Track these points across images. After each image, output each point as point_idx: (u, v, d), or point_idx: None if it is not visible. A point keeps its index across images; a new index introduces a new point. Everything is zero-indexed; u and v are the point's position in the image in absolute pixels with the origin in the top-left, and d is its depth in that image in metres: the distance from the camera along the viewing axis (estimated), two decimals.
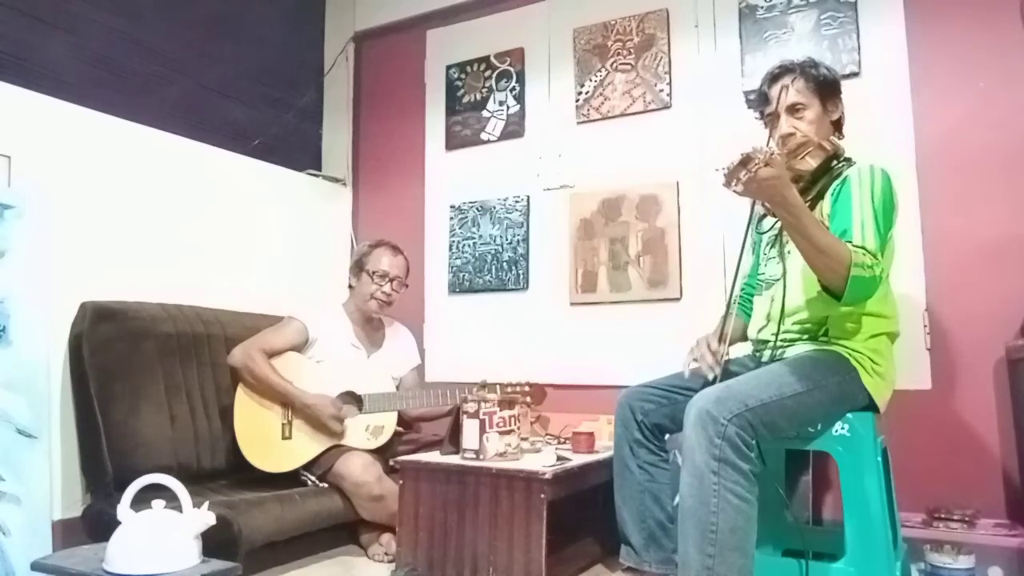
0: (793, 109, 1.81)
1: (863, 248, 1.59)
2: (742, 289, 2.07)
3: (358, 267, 2.73)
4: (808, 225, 1.53)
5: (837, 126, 1.89)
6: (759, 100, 1.90)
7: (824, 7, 2.54)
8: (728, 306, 1.82)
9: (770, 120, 1.87)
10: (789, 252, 1.79)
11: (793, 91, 1.81)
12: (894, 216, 1.72)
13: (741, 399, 1.53)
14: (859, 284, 1.54)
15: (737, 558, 1.46)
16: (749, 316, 2.02)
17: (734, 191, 1.46)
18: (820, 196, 1.78)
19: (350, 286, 2.75)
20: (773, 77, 1.86)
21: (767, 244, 1.94)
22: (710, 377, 1.73)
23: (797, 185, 1.74)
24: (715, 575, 1.44)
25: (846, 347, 1.71)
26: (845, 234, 1.63)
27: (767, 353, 1.83)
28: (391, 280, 2.69)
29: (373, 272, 2.68)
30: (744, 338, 2.01)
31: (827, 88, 1.84)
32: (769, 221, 1.91)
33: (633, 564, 1.88)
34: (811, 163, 1.77)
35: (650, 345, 2.72)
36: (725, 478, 1.47)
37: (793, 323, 1.79)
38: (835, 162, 1.80)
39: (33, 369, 2.10)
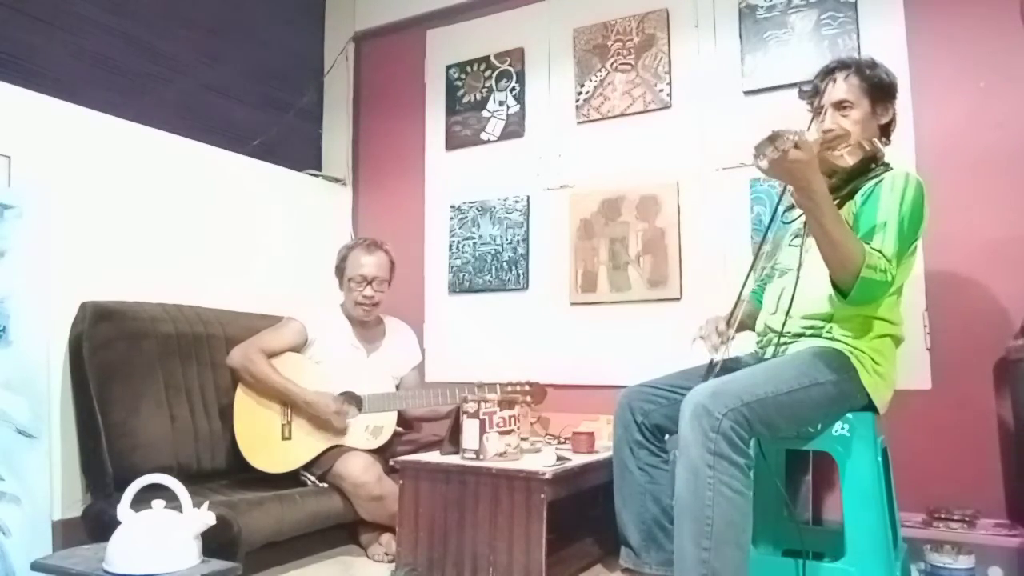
0: (840, 105, 1.80)
1: (880, 252, 1.59)
2: (759, 280, 2.06)
3: (339, 272, 2.71)
4: (828, 217, 1.53)
5: (885, 131, 1.87)
6: (811, 92, 1.89)
7: (824, 7, 2.54)
8: (740, 292, 1.80)
9: (815, 114, 1.86)
10: (808, 249, 1.77)
11: (844, 87, 1.80)
12: (920, 228, 1.71)
13: (737, 394, 1.54)
14: (868, 285, 1.55)
15: (733, 551, 1.46)
16: (761, 304, 2.01)
17: (758, 166, 1.45)
18: (851, 195, 1.77)
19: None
20: (827, 71, 1.85)
21: (791, 234, 1.93)
22: (714, 357, 1.73)
23: (830, 180, 1.74)
24: (711, 568, 1.44)
25: (848, 345, 1.71)
26: (868, 236, 1.63)
27: (770, 350, 1.83)
28: (370, 282, 2.64)
29: (350, 279, 2.65)
30: (754, 327, 2.00)
31: (880, 90, 1.82)
32: (797, 211, 1.89)
33: (632, 566, 1.87)
34: (848, 160, 1.76)
35: (650, 345, 2.72)
36: (720, 472, 1.47)
37: (801, 317, 1.78)
38: (873, 164, 1.79)
39: (33, 369, 2.10)
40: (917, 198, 1.68)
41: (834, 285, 1.61)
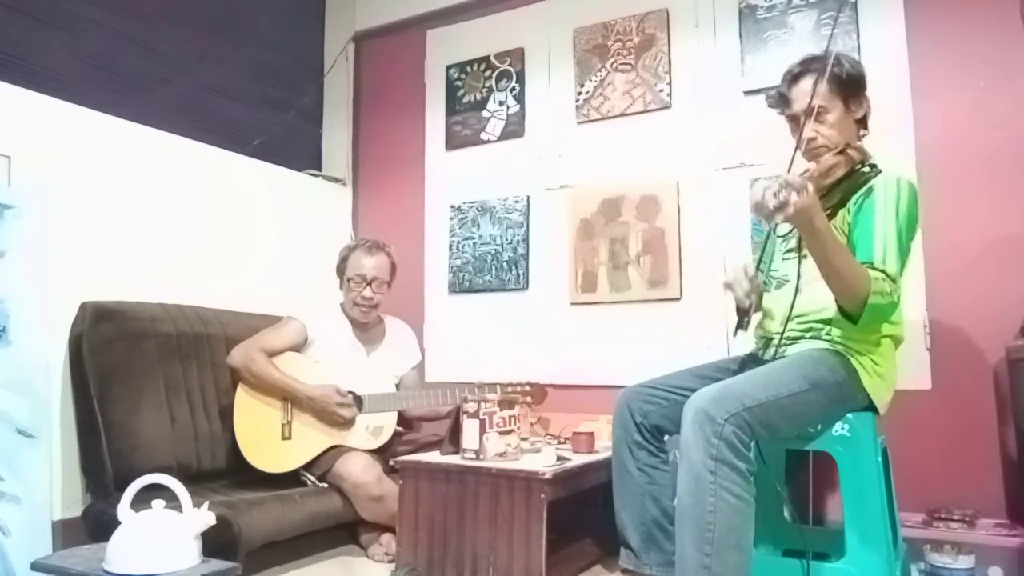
0: (815, 112, 1.76)
1: (883, 272, 1.58)
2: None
3: (339, 274, 2.71)
4: (832, 250, 1.52)
5: (862, 123, 1.84)
6: (778, 100, 1.86)
7: (824, 7, 2.53)
8: (762, 250, 1.81)
9: (790, 121, 1.84)
10: (806, 256, 1.74)
11: (813, 94, 1.74)
12: (916, 230, 1.71)
13: (738, 398, 1.53)
14: (876, 310, 1.55)
15: (734, 557, 1.46)
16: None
17: (764, 220, 1.46)
18: (842, 203, 1.75)
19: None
20: (793, 77, 1.82)
21: (784, 248, 1.92)
22: (745, 304, 1.72)
23: (819, 192, 1.73)
24: (712, 573, 1.44)
25: (848, 347, 1.71)
26: (867, 254, 1.62)
27: (769, 352, 1.83)
28: (369, 283, 2.64)
29: (350, 279, 2.65)
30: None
31: (850, 87, 1.78)
32: (787, 226, 1.87)
33: (632, 567, 1.87)
34: (838, 174, 1.75)
35: (650, 345, 2.72)
36: (722, 477, 1.47)
37: (798, 323, 1.78)
38: (860, 166, 1.76)
39: (33, 369, 2.10)
40: (911, 204, 1.67)
41: (841, 310, 1.60)
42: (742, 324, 1.74)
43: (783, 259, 1.90)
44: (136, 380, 2.32)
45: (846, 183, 1.76)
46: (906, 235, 1.65)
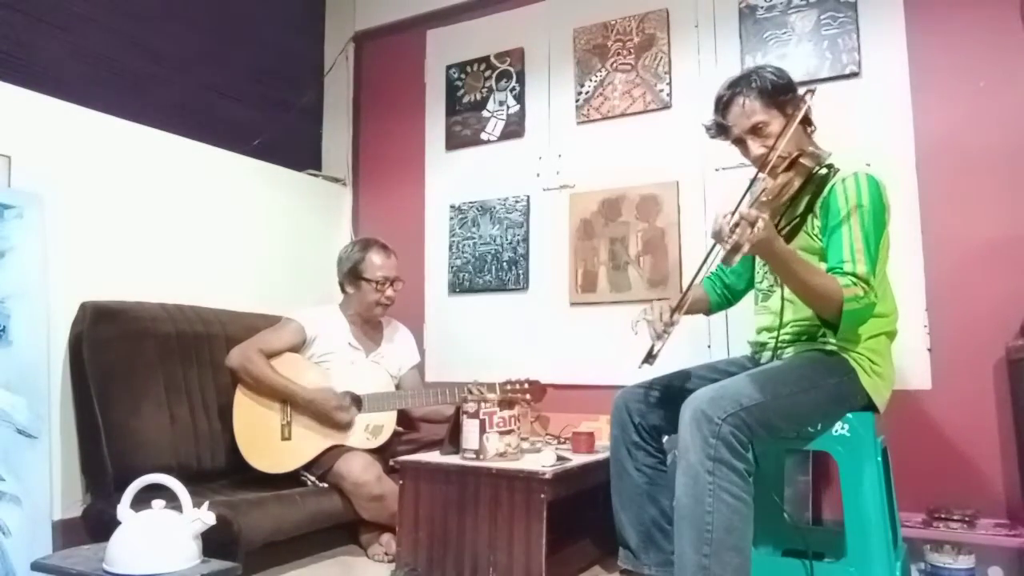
0: (755, 129, 1.76)
1: (854, 275, 1.57)
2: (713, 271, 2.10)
3: (354, 275, 2.70)
4: (797, 271, 1.54)
5: (807, 122, 1.82)
6: (718, 130, 1.86)
7: (824, 7, 2.53)
8: (692, 280, 1.79)
9: (738, 145, 1.83)
10: None
11: (749, 112, 1.76)
12: (885, 219, 1.68)
13: (736, 398, 1.54)
14: (852, 316, 1.57)
15: (733, 557, 1.46)
16: (716, 292, 2.09)
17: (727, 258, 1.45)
18: (809, 209, 1.74)
19: (344, 291, 2.75)
20: (724, 104, 1.81)
21: (761, 262, 1.91)
22: (655, 344, 1.74)
23: (776, 213, 1.74)
24: (711, 574, 1.44)
25: (844, 348, 1.70)
26: (838, 261, 1.61)
27: (766, 355, 1.83)
28: (391, 283, 2.70)
29: (372, 280, 2.67)
30: (702, 310, 2.08)
31: (780, 93, 1.77)
32: None
33: (631, 567, 1.87)
34: (796, 185, 1.73)
35: (650, 345, 2.71)
36: (720, 477, 1.47)
37: (792, 327, 1.78)
38: (817, 170, 1.74)
39: (33, 369, 2.11)
40: (874, 197, 1.65)
41: (821, 320, 1.62)
42: (648, 360, 1.75)
43: (766, 272, 1.90)
44: (136, 380, 2.32)
45: (808, 189, 1.74)
46: (873, 232, 1.63)
